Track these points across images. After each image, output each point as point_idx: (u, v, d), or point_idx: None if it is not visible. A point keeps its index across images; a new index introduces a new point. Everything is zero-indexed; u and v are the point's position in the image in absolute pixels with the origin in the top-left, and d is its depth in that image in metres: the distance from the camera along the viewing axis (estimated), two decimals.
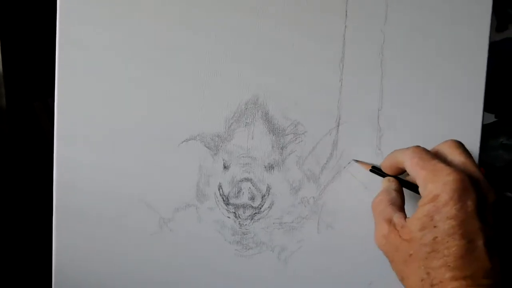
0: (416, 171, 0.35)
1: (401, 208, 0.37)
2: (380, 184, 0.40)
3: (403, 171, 0.38)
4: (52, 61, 0.42)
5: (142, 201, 0.43)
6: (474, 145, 0.43)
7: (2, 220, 0.66)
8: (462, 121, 0.43)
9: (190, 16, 0.42)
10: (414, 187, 0.37)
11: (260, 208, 0.44)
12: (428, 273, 0.33)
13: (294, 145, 0.43)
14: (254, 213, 0.44)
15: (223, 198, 0.44)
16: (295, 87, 0.43)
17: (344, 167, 0.43)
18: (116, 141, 0.43)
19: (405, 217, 0.36)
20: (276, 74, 0.43)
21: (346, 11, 0.43)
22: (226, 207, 0.44)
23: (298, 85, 0.43)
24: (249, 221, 0.44)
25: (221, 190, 0.44)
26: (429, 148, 0.37)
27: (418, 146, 0.37)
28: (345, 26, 0.43)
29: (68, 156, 0.43)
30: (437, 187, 0.33)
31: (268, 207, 0.44)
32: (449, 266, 0.32)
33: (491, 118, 0.78)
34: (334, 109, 0.43)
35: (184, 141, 0.43)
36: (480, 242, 0.32)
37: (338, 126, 0.43)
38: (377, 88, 0.43)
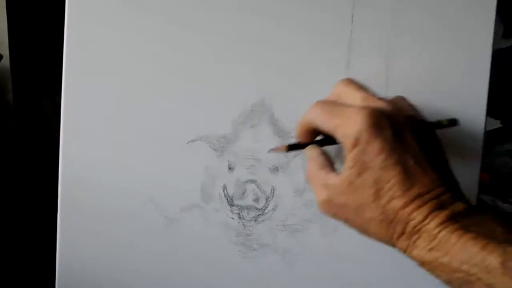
0: (328, 124, 0.35)
1: (331, 168, 0.37)
2: None
3: (318, 133, 0.38)
4: (60, 58, 0.42)
5: (147, 200, 0.44)
6: (476, 150, 0.43)
7: (7, 216, 0.66)
8: (465, 126, 0.43)
9: (199, 17, 0.42)
10: (334, 141, 0.36)
11: (264, 210, 0.44)
12: (382, 212, 0.33)
13: None
14: (258, 215, 0.44)
15: (227, 199, 0.44)
16: (301, 91, 0.43)
17: None
18: (122, 139, 0.43)
19: (338, 173, 0.35)
20: (283, 77, 0.43)
21: (352, 16, 0.43)
22: (230, 208, 0.44)
23: (305, 89, 0.43)
24: (253, 222, 0.44)
25: (225, 191, 0.44)
26: None
27: (318, 101, 0.37)
28: (351, 31, 0.43)
29: (74, 153, 0.43)
30: (352, 130, 0.33)
31: (272, 209, 0.44)
32: (397, 196, 0.33)
33: (497, 124, 0.77)
34: None
35: (190, 141, 0.43)
36: (411, 163, 0.33)
37: None
38: (382, 93, 0.43)
